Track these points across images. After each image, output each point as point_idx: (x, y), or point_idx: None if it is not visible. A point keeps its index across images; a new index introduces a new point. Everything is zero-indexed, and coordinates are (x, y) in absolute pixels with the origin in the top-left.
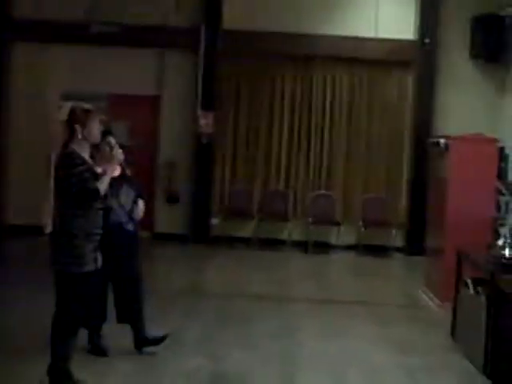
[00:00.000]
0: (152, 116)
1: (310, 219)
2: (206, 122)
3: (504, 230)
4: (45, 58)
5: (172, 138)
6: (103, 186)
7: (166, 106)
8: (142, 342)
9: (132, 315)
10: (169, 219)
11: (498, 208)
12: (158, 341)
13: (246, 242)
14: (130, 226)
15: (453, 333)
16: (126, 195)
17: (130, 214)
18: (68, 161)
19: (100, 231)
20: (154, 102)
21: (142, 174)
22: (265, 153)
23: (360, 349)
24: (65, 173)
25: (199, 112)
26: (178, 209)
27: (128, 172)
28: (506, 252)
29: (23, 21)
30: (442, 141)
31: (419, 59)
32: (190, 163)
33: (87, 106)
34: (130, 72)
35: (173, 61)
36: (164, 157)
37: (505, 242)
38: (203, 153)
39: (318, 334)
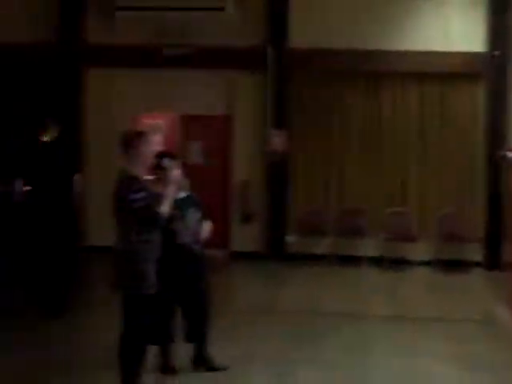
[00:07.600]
0: (224, 136)
1: (386, 235)
2: (278, 140)
3: None
4: (117, 81)
5: (245, 156)
6: (165, 209)
7: (237, 125)
8: (201, 361)
9: (199, 335)
10: (245, 238)
11: None
12: (213, 369)
13: (321, 258)
14: (196, 247)
15: None
16: (191, 216)
17: (196, 236)
18: (130, 186)
19: (161, 254)
20: (225, 122)
21: (216, 193)
22: (338, 169)
23: (432, 366)
24: (128, 198)
25: (271, 131)
26: (253, 227)
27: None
28: None
29: (97, 46)
30: (510, 154)
31: (489, 72)
32: (263, 182)
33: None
34: (200, 93)
35: (241, 80)
36: (238, 176)
37: None
38: (276, 171)
39: (391, 352)
